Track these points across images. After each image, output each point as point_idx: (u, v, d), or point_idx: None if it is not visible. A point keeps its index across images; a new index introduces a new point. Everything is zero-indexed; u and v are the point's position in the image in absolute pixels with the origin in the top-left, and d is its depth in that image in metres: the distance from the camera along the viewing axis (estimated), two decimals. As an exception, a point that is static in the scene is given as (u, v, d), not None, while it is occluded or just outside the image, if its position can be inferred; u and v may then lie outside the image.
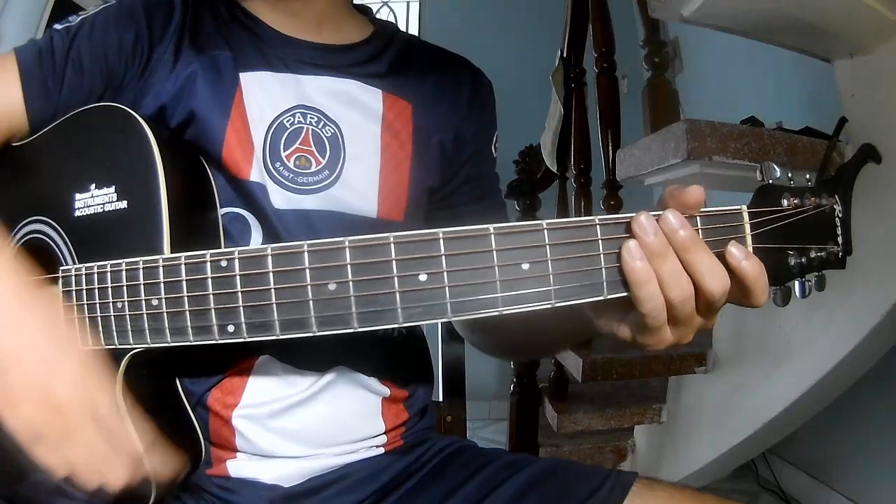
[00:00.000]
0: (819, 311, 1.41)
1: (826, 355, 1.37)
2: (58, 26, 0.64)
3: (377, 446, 0.72)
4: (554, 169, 2.07)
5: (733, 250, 0.44)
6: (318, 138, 0.68)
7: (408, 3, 3.69)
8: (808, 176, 0.49)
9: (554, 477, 0.67)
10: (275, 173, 0.66)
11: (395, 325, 0.45)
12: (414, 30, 3.60)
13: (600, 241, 0.44)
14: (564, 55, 2.06)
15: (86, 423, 0.48)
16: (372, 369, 0.70)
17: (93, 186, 0.56)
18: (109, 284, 0.51)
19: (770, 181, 0.48)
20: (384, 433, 0.72)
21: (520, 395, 1.90)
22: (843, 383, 1.49)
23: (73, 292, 0.54)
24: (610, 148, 1.82)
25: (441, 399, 0.94)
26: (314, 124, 0.68)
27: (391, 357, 0.72)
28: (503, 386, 2.10)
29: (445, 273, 0.43)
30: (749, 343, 1.64)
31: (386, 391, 0.72)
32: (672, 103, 2.12)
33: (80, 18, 0.64)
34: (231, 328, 0.46)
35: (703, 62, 2.67)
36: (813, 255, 0.48)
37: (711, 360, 1.72)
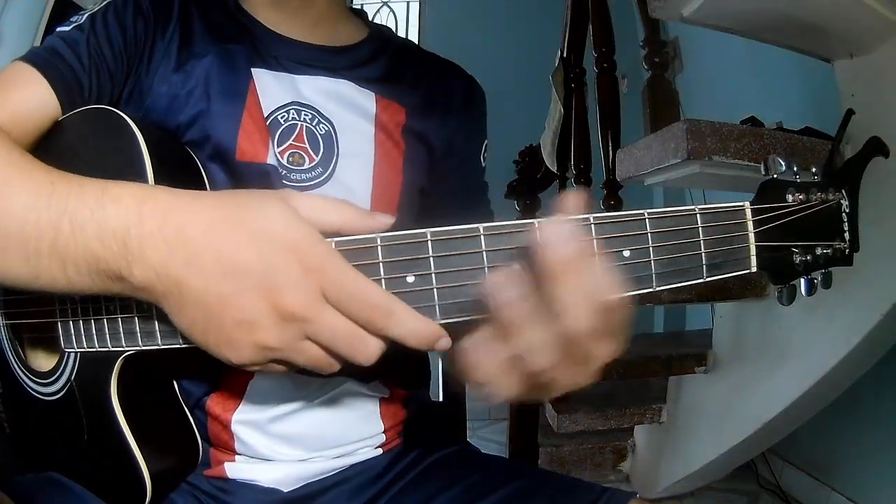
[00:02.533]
0: (819, 311, 1.41)
1: (826, 355, 1.37)
2: (64, 27, 0.63)
3: (375, 447, 0.72)
4: (554, 169, 2.07)
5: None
6: (311, 135, 0.67)
7: (408, 3, 3.69)
8: (813, 170, 0.47)
9: (544, 491, 0.66)
10: None
11: None
12: (414, 30, 3.59)
13: (595, 241, 0.42)
14: (564, 55, 2.06)
15: (322, 313, 0.40)
16: (371, 373, 0.70)
17: None
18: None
19: (775, 175, 0.46)
20: (383, 432, 0.72)
21: (520, 395, 1.90)
22: (843, 383, 1.48)
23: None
24: (610, 148, 1.82)
25: (441, 399, 0.94)
26: (308, 121, 0.68)
27: (389, 359, 0.72)
28: (503, 386, 2.09)
29: (434, 275, 0.42)
30: (749, 343, 1.64)
31: (385, 392, 0.72)
32: (672, 103, 2.12)
33: (87, 15, 0.64)
34: None
35: (703, 62, 2.67)
36: (819, 252, 0.47)
37: (711, 360, 1.72)
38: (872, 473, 1.79)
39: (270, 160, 0.64)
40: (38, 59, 0.60)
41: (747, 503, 2.08)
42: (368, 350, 0.41)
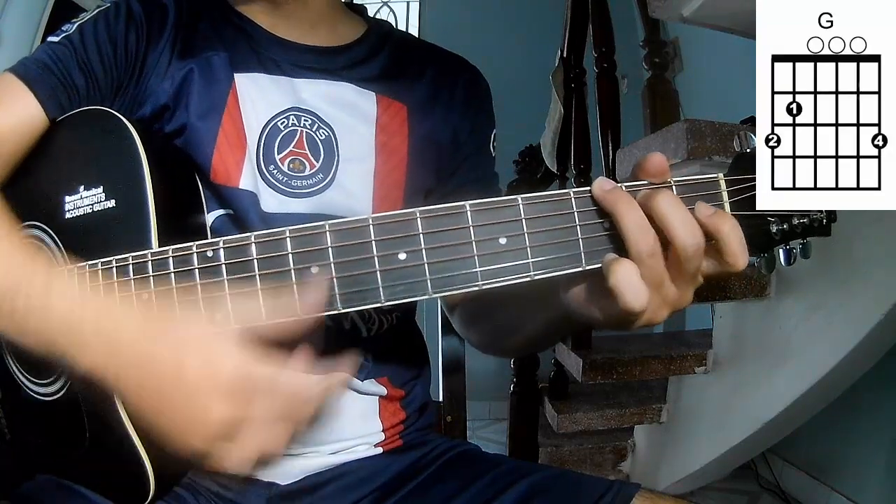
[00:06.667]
0: (819, 311, 1.41)
1: (826, 355, 1.37)
2: (53, 38, 0.63)
3: (375, 445, 0.72)
4: (554, 169, 2.07)
5: (701, 207, 0.44)
6: (311, 141, 0.67)
7: (408, 3, 3.69)
8: None
9: (556, 486, 0.67)
10: (268, 176, 0.65)
11: (379, 305, 0.45)
12: (414, 30, 3.59)
13: (576, 213, 0.45)
14: (564, 55, 2.06)
15: (251, 417, 0.44)
16: (367, 371, 0.71)
17: (81, 188, 0.56)
18: (101, 282, 0.51)
19: (748, 150, 0.47)
20: (381, 431, 0.72)
21: (520, 394, 1.90)
22: (843, 383, 1.49)
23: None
24: (610, 148, 1.82)
25: (441, 399, 0.94)
26: (308, 127, 0.67)
27: (386, 357, 0.72)
28: (503, 386, 2.10)
29: (424, 251, 0.44)
30: (749, 343, 1.64)
31: (382, 390, 0.72)
32: (672, 103, 2.13)
33: (76, 25, 0.63)
34: (219, 317, 0.47)
35: (703, 62, 2.67)
36: (795, 221, 0.48)
37: (711, 360, 1.72)
38: (872, 473, 1.79)
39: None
40: (28, 72, 0.60)
41: (747, 503, 2.08)
42: (309, 413, 0.45)
